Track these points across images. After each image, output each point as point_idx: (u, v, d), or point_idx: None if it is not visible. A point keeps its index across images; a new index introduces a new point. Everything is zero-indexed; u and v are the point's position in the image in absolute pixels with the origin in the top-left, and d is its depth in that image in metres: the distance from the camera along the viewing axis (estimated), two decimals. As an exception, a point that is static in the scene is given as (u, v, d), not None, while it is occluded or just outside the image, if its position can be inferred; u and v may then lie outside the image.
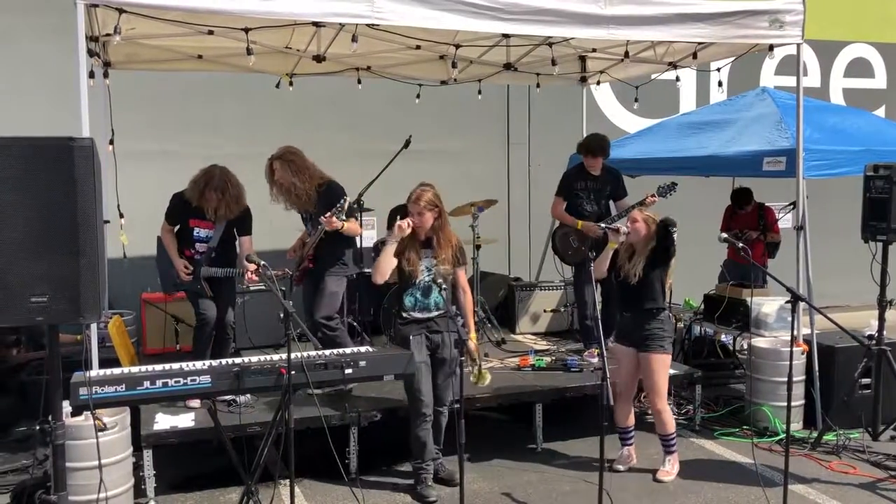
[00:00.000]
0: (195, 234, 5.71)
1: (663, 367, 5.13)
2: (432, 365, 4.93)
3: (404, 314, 4.92)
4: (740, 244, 4.93)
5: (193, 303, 5.79)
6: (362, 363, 4.03)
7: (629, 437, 5.40)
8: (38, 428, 3.26)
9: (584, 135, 8.45)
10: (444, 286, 4.89)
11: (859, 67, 11.53)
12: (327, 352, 4.16)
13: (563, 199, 6.78)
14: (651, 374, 5.12)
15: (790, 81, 6.29)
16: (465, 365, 4.61)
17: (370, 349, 4.35)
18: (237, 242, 5.82)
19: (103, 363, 4.55)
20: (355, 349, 4.31)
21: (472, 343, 4.97)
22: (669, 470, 5.22)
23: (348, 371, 3.99)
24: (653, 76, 7.69)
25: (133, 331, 6.98)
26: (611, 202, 6.79)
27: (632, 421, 5.40)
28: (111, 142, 6.37)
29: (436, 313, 4.92)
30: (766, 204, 8.03)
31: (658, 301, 5.11)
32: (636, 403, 6.44)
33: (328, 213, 5.30)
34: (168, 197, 5.94)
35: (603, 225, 5.42)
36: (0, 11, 7.77)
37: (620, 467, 5.34)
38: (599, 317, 5.44)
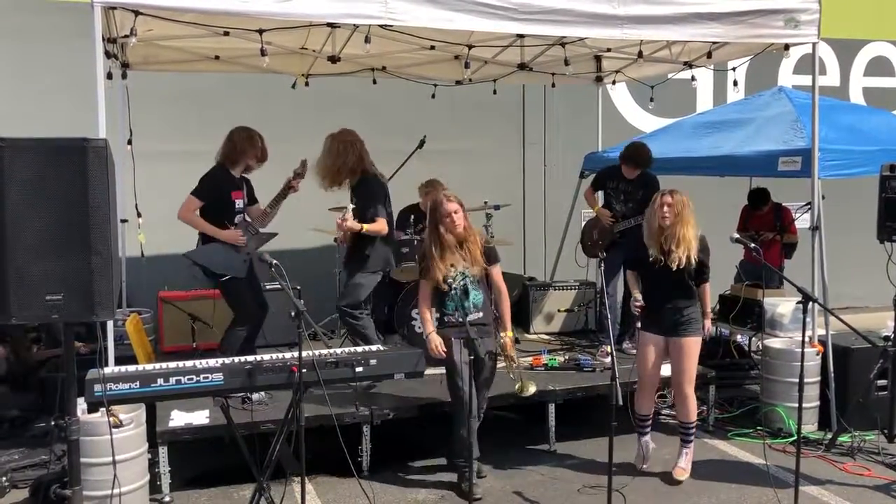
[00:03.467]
0: (237, 206, 5.79)
1: (695, 350, 5.10)
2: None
3: (444, 318, 4.96)
4: (752, 244, 4.91)
5: (240, 296, 5.74)
6: (373, 362, 4.07)
7: (647, 426, 5.37)
8: (54, 424, 3.33)
9: (600, 134, 8.57)
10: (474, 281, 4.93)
11: (879, 66, 11.40)
12: (339, 350, 4.20)
13: (594, 190, 7.09)
14: (682, 358, 5.08)
15: (808, 80, 6.22)
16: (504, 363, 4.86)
17: (381, 348, 4.38)
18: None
19: (120, 361, 4.61)
20: (367, 347, 4.35)
21: (509, 340, 5.00)
22: (685, 467, 5.17)
23: (359, 369, 4.03)
24: (668, 76, 7.67)
25: (150, 329, 7.06)
26: None
27: (652, 410, 5.40)
28: (129, 142, 6.46)
29: (474, 316, 4.93)
30: (783, 204, 7.97)
31: (690, 290, 5.10)
32: (656, 399, 6.45)
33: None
34: (185, 196, 6.00)
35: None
36: (20, 12, 7.89)
37: (644, 466, 5.32)
38: (610, 315, 5.44)
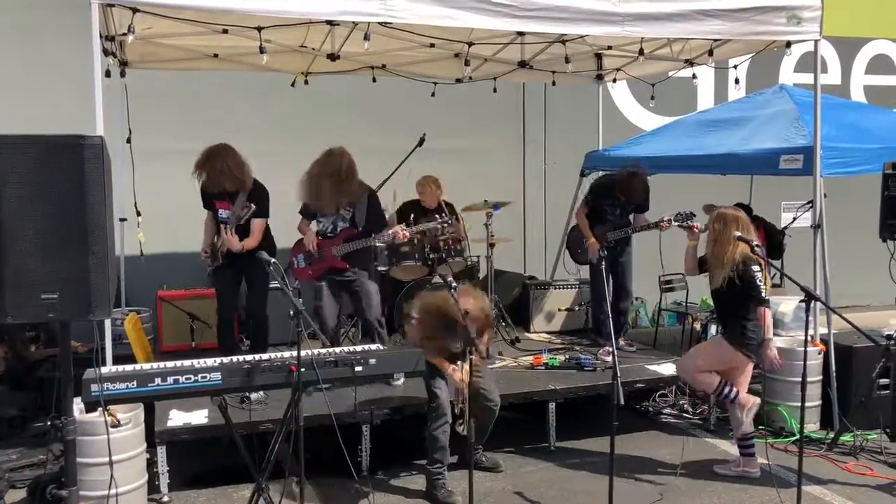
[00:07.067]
0: (220, 215, 5.96)
1: (740, 366, 5.14)
2: None
3: None
4: (755, 243, 4.88)
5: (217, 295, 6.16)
6: (372, 361, 4.03)
7: (727, 395, 5.21)
8: (50, 424, 3.30)
9: (601, 133, 8.55)
10: None
11: (881, 64, 11.36)
12: (337, 349, 4.17)
13: (588, 208, 7.03)
14: (730, 370, 5.17)
15: (809, 78, 6.21)
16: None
17: (381, 347, 4.36)
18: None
19: (119, 360, 4.58)
20: (367, 347, 4.32)
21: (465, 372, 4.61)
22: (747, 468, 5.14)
23: (358, 369, 3.99)
24: (669, 74, 7.65)
25: (149, 328, 7.04)
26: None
27: (716, 386, 5.19)
28: (128, 140, 6.43)
29: None
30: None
31: (746, 306, 5.01)
32: (652, 402, 6.44)
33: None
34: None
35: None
36: (21, 9, 7.86)
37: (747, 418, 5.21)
38: (611, 314, 5.42)
